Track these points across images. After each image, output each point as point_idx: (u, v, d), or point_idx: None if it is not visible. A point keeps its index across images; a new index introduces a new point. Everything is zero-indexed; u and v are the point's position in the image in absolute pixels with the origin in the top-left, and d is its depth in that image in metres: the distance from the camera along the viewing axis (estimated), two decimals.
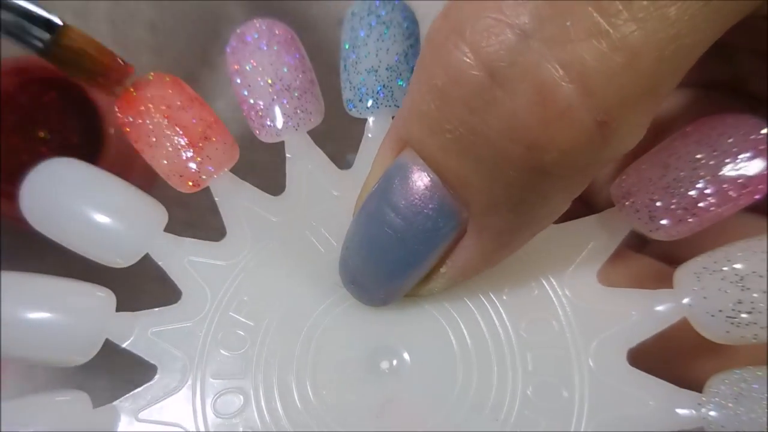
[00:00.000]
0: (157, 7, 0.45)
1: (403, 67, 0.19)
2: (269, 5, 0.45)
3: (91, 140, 0.40)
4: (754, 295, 0.15)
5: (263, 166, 0.23)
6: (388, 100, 0.19)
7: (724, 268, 0.16)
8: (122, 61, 0.20)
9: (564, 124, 0.13)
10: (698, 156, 0.17)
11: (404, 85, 0.19)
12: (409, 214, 0.16)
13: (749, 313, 0.15)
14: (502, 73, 0.13)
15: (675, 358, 0.18)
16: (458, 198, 0.15)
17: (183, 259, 0.18)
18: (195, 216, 0.33)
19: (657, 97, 0.14)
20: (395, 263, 0.16)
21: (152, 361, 0.17)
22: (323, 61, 0.21)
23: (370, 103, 0.19)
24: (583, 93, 0.13)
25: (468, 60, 0.13)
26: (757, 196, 0.16)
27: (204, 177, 0.19)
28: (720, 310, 0.16)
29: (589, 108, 0.13)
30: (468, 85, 0.14)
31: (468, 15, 0.14)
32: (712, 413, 0.15)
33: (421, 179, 0.15)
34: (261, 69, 0.20)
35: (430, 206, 0.15)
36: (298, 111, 0.19)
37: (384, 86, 0.19)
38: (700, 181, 0.16)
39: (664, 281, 0.17)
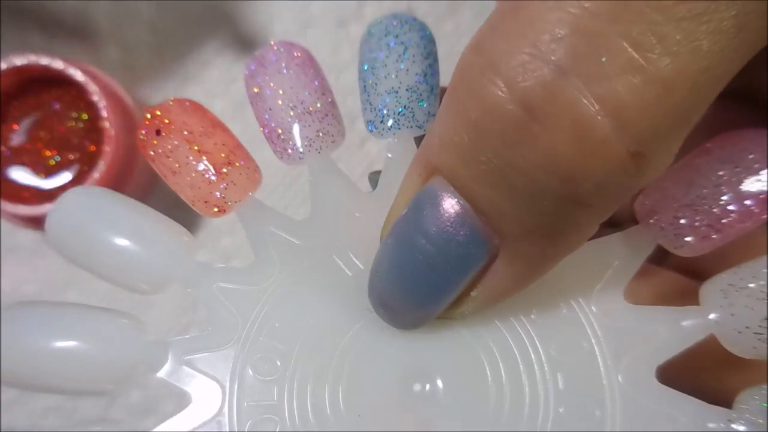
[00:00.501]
0: (157, 7, 0.45)
1: (423, 87, 0.19)
2: (269, 5, 0.45)
3: (91, 140, 0.40)
4: None
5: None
6: (409, 121, 0.19)
7: (751, 285, 0.16)
8: None
9: (600, 157, 0.13)
10: (720, 173, 0.17)
11: (425, 106, 0.19)
12: (441, 241, 0.16)
13: None
14: (539, 108, 0.13)
15: (702, 373, 0.18)
16: (490, 225, 0.15)
17: (212, 285, 0.19)
18: (196, 216, 0.33)
19: (688, 126, 0.14)
20: (426, 288, 0.16)
21: (186, 389, 0.18)
22: (322, 63, 0.21)
23: (390, 123, 0.19)
24: (619, 126, 0.13)
25: (503, 95, 0.14)
26: None
27: (230, 203, 0.19)
28: (747, 327, 0.16)
29: (623, 140, 0.13)
30: (504, 120, 0.14)
31: (502, 50, 0.14)
32: (742, 429, 0.16)
33: (452, 206, 0.15)
34: (281, 92, 0.20)
35: (462, 233, 0.15)
36: (320, 134, 0.20)
37: (405, 107, 0.19)
38: (723, 197, 0.17)
39: (689, 296, 0.17)
